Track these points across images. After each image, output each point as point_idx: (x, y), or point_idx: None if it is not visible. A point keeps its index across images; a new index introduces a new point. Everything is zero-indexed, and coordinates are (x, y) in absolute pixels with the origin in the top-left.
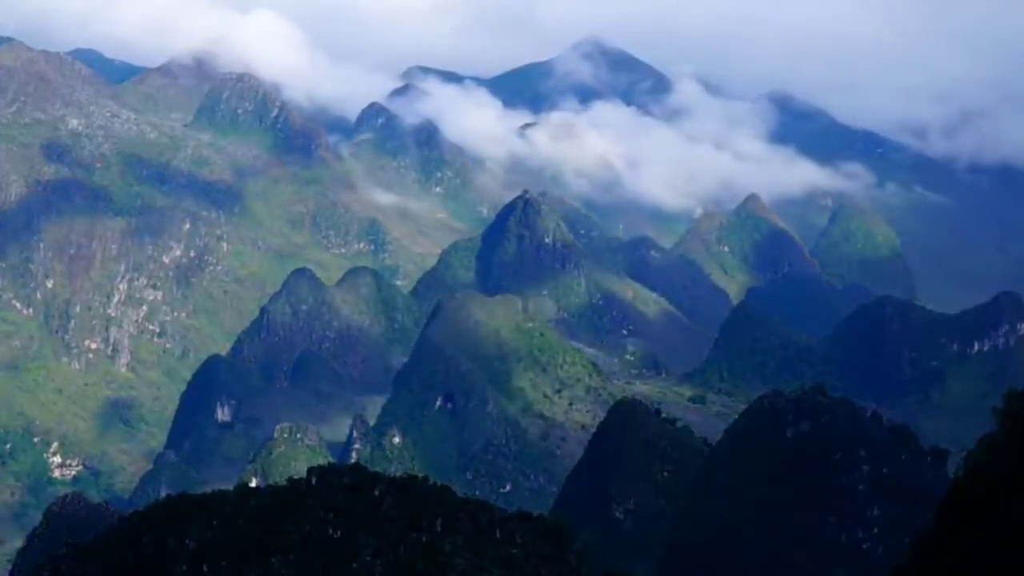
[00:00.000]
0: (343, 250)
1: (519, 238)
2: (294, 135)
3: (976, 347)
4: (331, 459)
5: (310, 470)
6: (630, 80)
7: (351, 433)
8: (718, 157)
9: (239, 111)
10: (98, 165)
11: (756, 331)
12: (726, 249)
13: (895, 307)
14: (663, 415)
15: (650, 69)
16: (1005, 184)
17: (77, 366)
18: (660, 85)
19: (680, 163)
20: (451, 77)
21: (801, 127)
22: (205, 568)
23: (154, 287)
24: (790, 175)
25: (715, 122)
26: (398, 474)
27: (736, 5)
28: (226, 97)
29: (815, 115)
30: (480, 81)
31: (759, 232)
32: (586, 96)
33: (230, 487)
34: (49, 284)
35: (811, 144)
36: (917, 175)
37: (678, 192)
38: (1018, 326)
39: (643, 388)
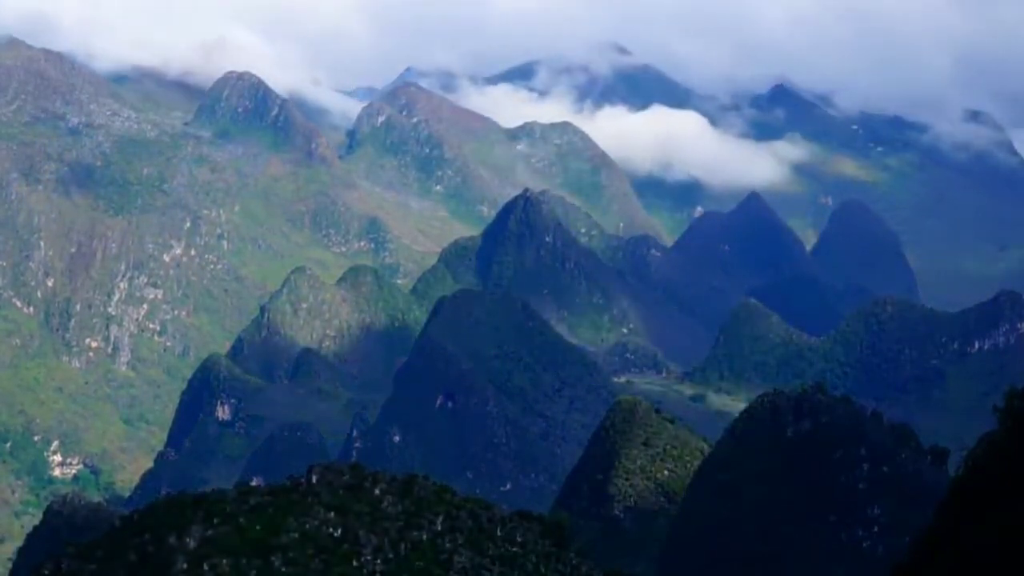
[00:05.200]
0: (343, 249)
1: (519, 237)
2: (294, 134)
3: (976, 346)
4: (331, 457)
5: (310, 468)
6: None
7: (351, 431)
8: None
9: (239, 110)
10: (98, 163)
11: (756, 330)
12: (726, 248)
13: (895, 306)
14: (663, 414)
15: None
16: (1005, 182)
17: (77, 364)
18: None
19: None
20: (451, 76)
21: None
22: (205, 566)
23: (154, 286)
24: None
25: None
26: (398, 473)
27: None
28: (226, 96)
29: (813, 105)
30: (480, 80)
31: (759, 231)
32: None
33: (230, 485)
34: (49, 283)
35: (807, 134)
36: (919, 173)
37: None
38: (1018, 325)
39: (643, 387)
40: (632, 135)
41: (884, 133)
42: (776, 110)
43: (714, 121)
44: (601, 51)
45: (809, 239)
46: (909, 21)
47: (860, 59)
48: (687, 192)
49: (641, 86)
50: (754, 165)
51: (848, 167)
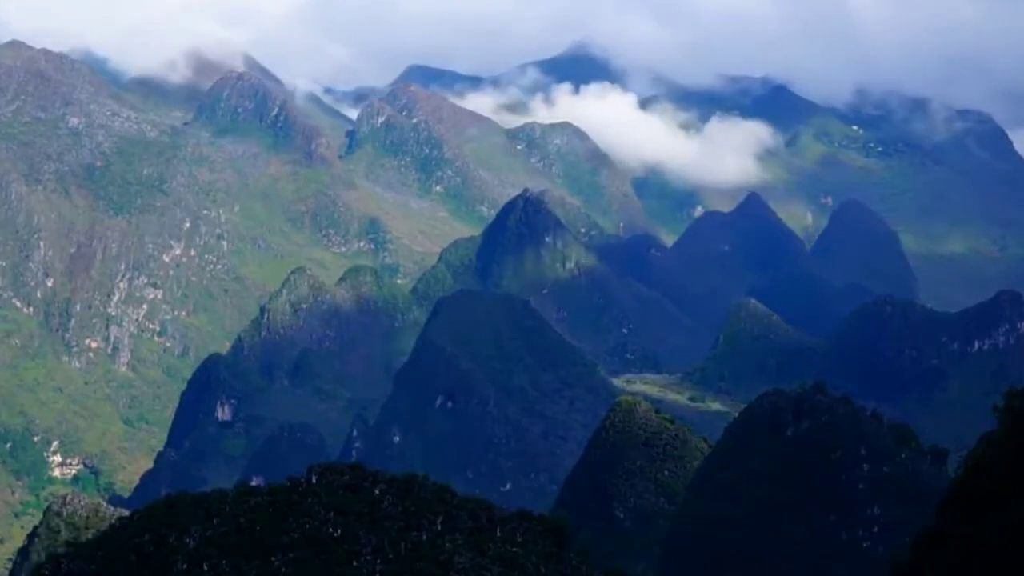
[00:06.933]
0: (343, 249)
1: (519, 237)
2: (294, 134)
3: (976, 346)
4: (331, 457)
5: (310, 468)
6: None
7: (351, 432)
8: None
9: (239, 110)
10: (98, 164)
11: (756, 330)
12: (726, 248)
13: (895, 306)
14: (663, 414)
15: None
16: (1005, 182)
17: (77, 365)
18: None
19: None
20: (452, 76)
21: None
22: (205, 567)
23: (154, 286)
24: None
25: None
26: (398, 473)
27: None
28: (226, 96)
29: (811, 104)
30: (480, 80)
31: (759, 231)
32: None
33: (230, 485)
34: (49, 283)
35: (807, 133)
36: (919, 173)
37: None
38: (1018, 325)
39: (643, 388)
40: (615, 130)
41: (884, 133)
42: (774, 109)
43: (709, 119)
44: (562, 38)
45: (809, 238)
46: (907, 19)
47: (855, 57)
48: (687, 192)
49: (629, 80)
50: (752, 165)
51: (848, 167)
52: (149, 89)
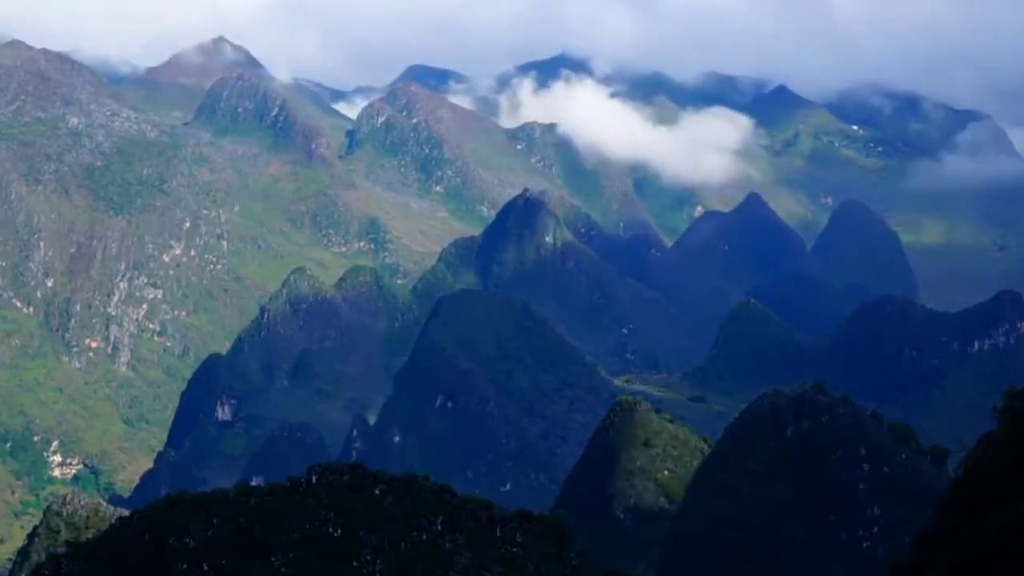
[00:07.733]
0: (343, 249)
1: (519, 237)
2: (294, 134)
3: (976, 346)
4: (331, 457)
5: (310, 469)
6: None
7: (351, 432)
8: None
9: (239, 110)
10: (98, 164)
11: (756, 330)
12: (726, 248)
13: (895, 306)
14: (663, 414)
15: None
16: (1005, 182)
17: (77, 365)
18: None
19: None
20: (452, 76)
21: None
22: (205, 567)
23: (154, 286)
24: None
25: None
26: (398, 473)
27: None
28: (226, 96)
29: (812, 103)
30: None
31: (759, 231)
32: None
33: (230, 485)
34: (49, 283)
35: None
36: (918, 173)
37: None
38: (1018, 325)
39: (643, 388)
40: (600, 128)
41: (884, 132)
42: (773, 108)
43: (706, 118)
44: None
45: (809, 236)
46: (905, 17)
47: (854, 56)
48: (686, 191)
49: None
50: (751, 163)
51: (848, 167)
52: (149, 89)
